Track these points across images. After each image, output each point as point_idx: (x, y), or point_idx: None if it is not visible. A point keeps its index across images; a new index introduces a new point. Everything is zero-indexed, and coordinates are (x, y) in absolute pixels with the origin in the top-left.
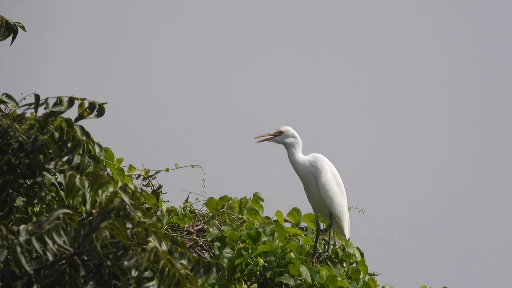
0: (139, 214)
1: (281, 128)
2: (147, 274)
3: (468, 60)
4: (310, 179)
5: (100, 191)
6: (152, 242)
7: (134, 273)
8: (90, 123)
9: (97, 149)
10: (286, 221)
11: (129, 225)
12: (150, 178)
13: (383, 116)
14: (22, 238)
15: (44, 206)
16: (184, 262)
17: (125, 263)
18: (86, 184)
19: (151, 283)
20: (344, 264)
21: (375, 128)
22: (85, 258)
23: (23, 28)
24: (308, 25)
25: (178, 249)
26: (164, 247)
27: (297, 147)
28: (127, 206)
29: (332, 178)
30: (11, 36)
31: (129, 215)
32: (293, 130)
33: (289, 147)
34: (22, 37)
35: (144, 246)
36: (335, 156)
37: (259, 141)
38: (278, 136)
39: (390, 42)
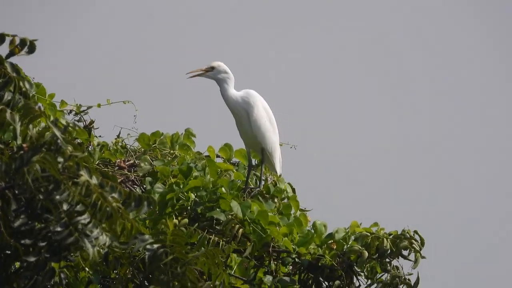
0: (70, 148)
1: (213, 64)
2: (78, 208)
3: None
4: (242, 114)
5: (31, 126)
6: (84, 176)
7: (65, 207)
8: (21, 58)
9: (27, 86)
10: (217, 156)
11: (60, 159)
12: (82, 114)
13: (314, 50)
14: None
15: None
16: (115, 195)
17: (57, 197)
18: (17, 118)
19: (82, 217)
20: (276, 200)
21: (306, 65)
22: (17, 192)
23: None
24: None
25: (109, 183)
26: (95, 180)
27: (229, 83)
28: (59, 140)
29: (264, 114)
30: None
31: (61, 149)
32: (225, 65)
33: (221, 82)
34: None
35: (76, 180)
36: (267, 92)
37: (191, 77)
38: (210, 72)
39: None
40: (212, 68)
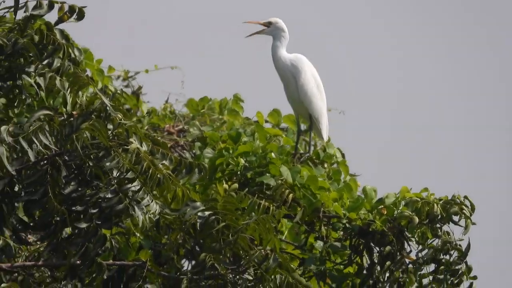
0: (119, 115)
1: (271, 19)
2: (129, 175)
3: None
4: (290, 79)
5: (80, 93)
6: (134, 143)
7: (115, 173)
8: (70, 24)
9: (76, 53)
10: (266, 122)
11: (110, 126)
12: (129, 79)
13: (368, 21)
14: (3, 138)
15: (24, 107)
16: (166, 163)
17: (107, 164)
18: (66, 85)
19: (133, 184)
20: (325, 165)
21: (360, 32)
22: (67, 158)
23: None
24: None
25: (160, 150)
26: (145, 148)
27: (283, 42)
28: (108, 108)
29: (311, 79)
30: None
31: (110, 117)
32: (283, 23)
33: (275, 39)
34: None
35: (126, 147)
36: (317, 59)
37: (248, 35)
38: (267, 28)
39: None
40: (270, 23)
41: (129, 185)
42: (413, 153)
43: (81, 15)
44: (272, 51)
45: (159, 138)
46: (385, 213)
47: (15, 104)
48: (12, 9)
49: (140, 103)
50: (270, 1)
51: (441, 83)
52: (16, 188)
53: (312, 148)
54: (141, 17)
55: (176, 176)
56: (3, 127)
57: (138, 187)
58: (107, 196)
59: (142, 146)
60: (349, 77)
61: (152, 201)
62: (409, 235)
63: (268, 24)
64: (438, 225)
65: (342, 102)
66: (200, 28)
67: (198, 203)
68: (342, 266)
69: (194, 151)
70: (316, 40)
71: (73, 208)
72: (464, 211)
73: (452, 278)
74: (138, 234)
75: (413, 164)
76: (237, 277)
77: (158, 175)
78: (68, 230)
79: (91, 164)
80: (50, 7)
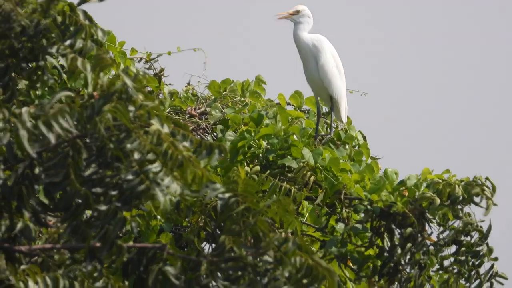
0: (141, 97)
1: (299, 7)
2: (150, 156)
3: None
4: (310, 58)
5: (102, 74)
6: (155, 124)
7: (136, 155)
8: (92, 6)
9: (99, 34)
10: (288, 104)
11: (131, 108)
12: (152, 61)
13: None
14: (27, 122)
15: (46, 89)
16: (187, 144)
17: (128, 145)
18: (88, 66)
19: (154, 165)
20: (347, 147)
21: (381, 13)
22: (88, 141)
23: None
24: None
25: (181, 132)
26: (166, 129)
27: (307, 27)
28: (129, 89)
29: (331, 60)
30: None
31: (131, 98)
32: (308, 10)
33: (299, 25)
34: None
35: (147, 129)
36: (336, 40)
37: (279, 18)
38: (295, 15)
39: None
40: (298, 11)
41: (150, 166)
42: (437, 135)
43: None
44: (294, 32)
45: (180, 120)
46: (407, 194)
47: (38, 85)
48: None
49: (162, 85)
50: None
51: (463, 65)
52: (37, 171)
53: (333, 130)
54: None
55: (197, 157)
56: (24, 109)
57: (159, 168)
58: (127, 178)
59: (163, 128)
60: (369, 59)
61: (173, 182)
62: (430, 217)
63: (296, 12)
64: (459, 207)
65: (363, 85)
66: (223, 10)
67: (218, 185)
68: (363, 248)
69: (216, 134)
70: (338, 22)
71: (93, 190)
72: (485, 192)
73: (473, 260)
74: (159, 217)
75: (436, 146)
76: (257, 259)
77: (179, 156)
78: (88, 212)
79: (112, 146)
80: None
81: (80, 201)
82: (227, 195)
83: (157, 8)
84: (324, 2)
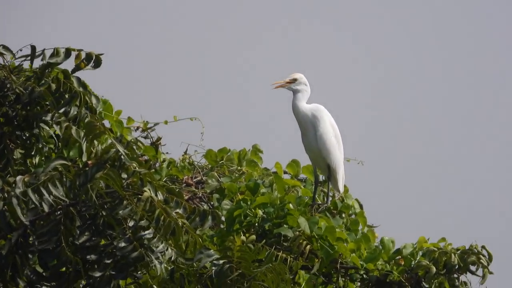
0: (134, 164)
1: (296, 76)
2: (142, 223)
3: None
4: (309, 128)
5: (96, 142)
6: (147, 191)
7: (130, 222)
8: (88, 75)
9: (94, 101)
10: (285, 172)
11: (124, 175)
12: (149, 130)
13: (384, 72)
14: (18, 190)
15: (43, 158)
16: (180, 211)
17: (120, 212)
18: (82, 134)
19: (147, 232)
20: (343, 216)
21: (376, 83)
22: (81, 208)
23: None
24: None
25: (174, 199)
26: (160, 196)
27: (305, 95)
28: (122, 156)
29: (330, 129)
30: None
31: (124, 165)
32: (305, 78)
33: (297, 94)
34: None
35: (140, 196)
36: (334, 109)
37: (275, 87)
38: (292, 83)
39: None
40: (295, 80)
41: (143, 233)
42: (432, 202)
43: (98, 63)
44: (293, 103)
45: (176, 189)
46: (403, 263)
47: (33, 153)
48: (29, 57)
49: (159, 154)
50: (291, 58)
51: (460, 131)
52: (31, 239)
53: (330, 198)
54: (161, 69)
55: (190, 224)
56: (18, 177)
57: (152, 234)
58: (121, 245)
59: (157, 195)
60: (365, 126)
61: (167, 248)
62: (427, 286)
63: (293, 81)
64: (455, 275)
65: (360, 153)
66: (219, 79)
67: (212, 251)
68: None
69: (212, 203)
70: (335, 90)
71: (88, 257)
72: (481, 260)
73: None
74: (155, 287)
75: (431, 214)
76: None
77: (171, 223)
78: (82, 280)
79: (104, 214)
80: (67, 55)
81: (73, 269)
82: (221, 261)
83: (155, 76)
84: (321, 69)
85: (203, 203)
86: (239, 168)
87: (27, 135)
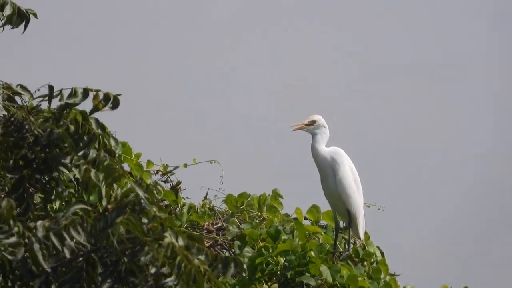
0: (154, 208)
1: (314, 117)
2: (164, 270)
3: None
4: (328, 172)
5: (115, 185)
6: (168, 237)
7: (151, 269)
8: (107, 116)
9: (112, 143)
10: (305, 218)
11: (144, 220)
12: (168, 174)
13: (406, 117)
14: (39, 234)
15: (63, 203)
16: (202, 257)
17: (142, 259)
18: (101, 177)
19: (169, 279)
20: (365, 263)
21: (395, 128)
22: (102, 255)
23: (35, 15)
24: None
25: (195, 245)
26: (181, 242)
27: (324, 138)
28: (142, 201)
29: (350, 173)
30: (24, 23)
31: (145, 210)
32: (324, 120)
33: (316, 136)
34: (35, 24)
35: (161, 242)
36: (352, 152)
37: (294, 130)
38: (311, 126)
39: None
40: (314, 122)
41: (165, 280)
42: (455, 248)
43: (116, 104)
44: (312, 146)
45: (196, 235)
46: None
47: (52, 197)
48: (47, 97)
49: (179, 199)
50: (310, 105)
51: (486, 175)
52: (53, 287)
53: (351, 246)
54: (180, 111)
55: (212, 271)
56: (39, 222)
57: (175, 282)
58: None
59: (177, 241)
60: (387, 172)
61: None
62: None
63: (312, 123)
64: None
65: (380, 198)
66: (238, 124)
67: None
68: None
69: (233, 250)
70: (355, 133)
71: None
72: None
73: None
74: None
75: (453, 261)
76: None
77: (192, 270)
78: None
79: (126, 260)
80: (85, 95)
81: None
82: None
83: (174, 120)
84: (339, 112)
85: (224, 250)
86: (259, 214)
87: (47, 178)
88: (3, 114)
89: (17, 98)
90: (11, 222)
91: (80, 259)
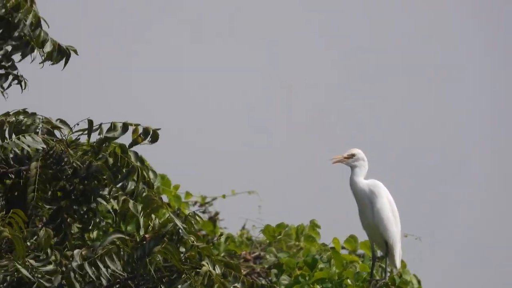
0: (192, 238)
1: (354, 151)
2: None
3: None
4: (366, 203)
5: (153, 216)
6: (206, 266)
7: None
8: (146, 149)
9: (151, 175)
10: (343, 248)
11: (182, 249)
12: (207, 205)
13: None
14: (75, 263)
15: (100, 233)
16: (238, 285)
17: (179, 287)
18: (139, 208)
19: None
20: None
21: (431, 160)
22: (138, 282)
23: (75, 51)
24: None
25: (232, 273)
26: (218, 270)
27: (363, 171)
28: (180, 230)
29: (387, 205)
30: (64, 60)
31: (182, 239)
32: (363, 154)
33: (355, 169)
34: (75, 60)
35: (198, 270)
36: (388, 183)
37: (333, 163)
38: (350, 159)
39: None
40: (353, 155)
41: None
42: (494, 277)
43: (155, 138)
44: (351, 179)
45: (233, 263)
46: None
47: (90, 227)
48: (87, 132)
49: (217, 229)
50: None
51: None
52: None
53: (388, 274)
54: (219, 142)
55: None
56: (76, 251)
57: None
58: None
59: (215, 269)
60: (423, 201)
61: None
62: None
63: (351, 156)
64: None
65: (417, 228)
66: (275, 156)
67: None
68: None
69: (270, 278)
70: (391, 164)
71: None
72: None
73: None
74: None
75: None
76: None
77: None
78: None
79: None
80: (124, 129)
81: None
82: None
83: (212, 150)
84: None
85: (261, 278)
86: (297, 243)
87: (85, 209)
88: (42, 147)
89: (56, 132)
90: (49, 250)
91: (117, 287)
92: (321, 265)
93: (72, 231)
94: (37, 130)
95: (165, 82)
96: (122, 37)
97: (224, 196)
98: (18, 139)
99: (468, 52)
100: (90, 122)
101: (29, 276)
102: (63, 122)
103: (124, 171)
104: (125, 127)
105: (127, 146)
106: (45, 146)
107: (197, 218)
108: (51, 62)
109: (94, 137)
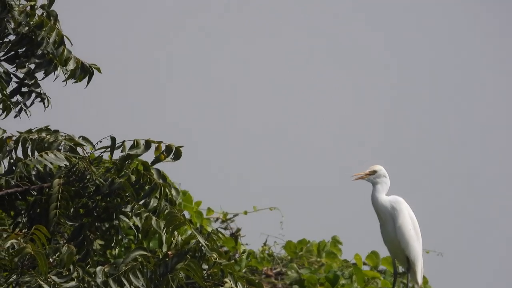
0: (214, 255)
1: (375, 168)
2: None
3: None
4: (388, 220)
5: (176, 232)
6: (228, 282)
7: None
8: (168, 166)
9: (174, 193)
10: (364, 264)
11: (205, 266)
12: (228, 221)
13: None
14: (99, 280)
15: (122, 249)
16: None
17: None
18: (162, 225)
19: None
20: None
21: (453, 175)
22: None
23: (98, 70)
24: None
25: None
26: (240, 287)
27: (384, 188)
28: (203, 247)
29: (409, 221)
30: (87, 78)
31: (205, 256)
32: (385, 170)
33: (377, 186)
34: (98, 78)
35: (221, 287)
36: (412, 198)
37: (355, 179)
38: (372, 175)
39: None
40: (374, 171)
41: None
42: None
43: (178, 155)
44: (373, 195)
45: (255, 279)
46: None
47: (112, 244)
48: (109, 149)
49: (238, 246)
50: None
51: None
52: None
53: None
54: (239, 157)
55: None
56: (98, 268)
57: None
58: None
59: (237, 286)
60: (446, 217)
61: None
62: None
63: (373, 172)
64: None
65: (439, 244)
66: (297, 172)
67: None
68: None
69: None
70: (412, 180)
71: None
72: None
73: None
74: None
75: None
76: None
77: None
78: None
79: None
80: (147, 146)
81: None
82: None
83: (233, 167)
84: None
85: None
86: (318, 259)
87: (107, 226)
88: (65, 165)
89: (78, 149)
90: (71, 267)
91: None
92: (342, 281)
93: (94, 248)
94: (60, 147)
95: (188, 99)
96: (141, 52)
97: (245, 213)
98: (41, 156)
99: None
100: (113, 139)
101: None
102: (85, 139)
103: (146, 188)
104: (147, 144)
105: (149, 164)
106: (67, 163)
107: (219, 235)
108: (74, 80)
109: (117, 154)
